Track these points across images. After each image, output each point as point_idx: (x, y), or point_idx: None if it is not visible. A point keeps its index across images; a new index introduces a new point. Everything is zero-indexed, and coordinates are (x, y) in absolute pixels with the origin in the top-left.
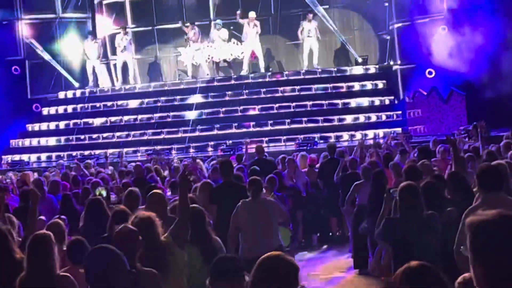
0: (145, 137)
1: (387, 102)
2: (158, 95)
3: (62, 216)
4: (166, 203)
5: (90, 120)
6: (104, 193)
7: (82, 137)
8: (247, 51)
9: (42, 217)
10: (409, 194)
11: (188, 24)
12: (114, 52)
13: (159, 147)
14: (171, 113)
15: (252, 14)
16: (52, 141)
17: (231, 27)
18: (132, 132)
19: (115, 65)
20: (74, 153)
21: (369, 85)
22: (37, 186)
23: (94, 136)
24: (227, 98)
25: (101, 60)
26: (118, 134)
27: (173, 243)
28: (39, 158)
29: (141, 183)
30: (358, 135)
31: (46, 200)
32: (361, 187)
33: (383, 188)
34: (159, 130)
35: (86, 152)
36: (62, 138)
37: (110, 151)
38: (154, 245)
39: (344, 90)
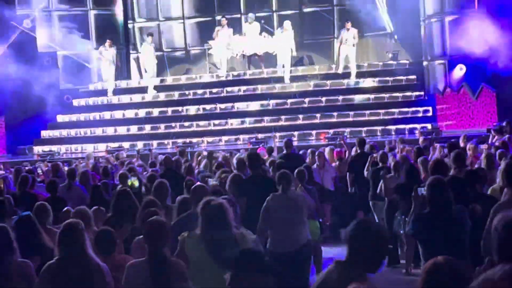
0: (175, 129)
1: (417, 97)
2: (188, 88)
3: (100, 207)
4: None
5: (119, 113)
6: (136, 183)
7: (112, 129)
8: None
9: (69, 208)
10: (437, 188)
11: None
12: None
13: (188, 140)
14: (201, 106)
15: (287, 24)
16: (82, 132)
17: (262, 21)
18: (162, 125)
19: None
20: (104, 145)
21: (400, 79)
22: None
23: (124, 128)
24: (258, 92)
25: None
26: (146, 126)
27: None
28: (69, 149)
29: (170, 175)
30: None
31: (74, 190)
32: (391, 181)
33: (414, 182)
34: (189, 123)
35: (116, 144)
36: (93, 130)
37: (139, 143)
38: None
39: (376, 84)
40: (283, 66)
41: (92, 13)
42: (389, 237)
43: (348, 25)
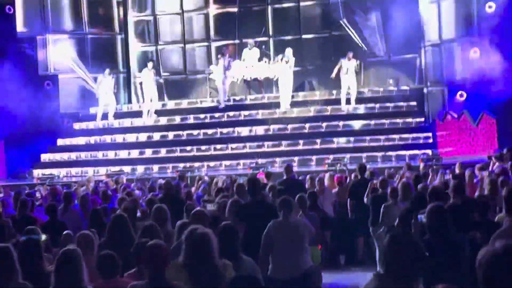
0: (175, 154)
1: (418, 123)
2: (189, 112)
3: (92, 230)
4: (208, 220)
5: (120, 136)
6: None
7: (113, 153)
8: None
9: (69, 232)
10: (436, 215)
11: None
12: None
13: (189, 164)
14: (202, 131)
15: (288, 52)
16: (82, 156)
17: (263, 46)
18: (162, 149)
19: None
20: (104, 169)
21: (400, 106)
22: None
23: (125, 152)
24: (259, 117)
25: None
26: (147, 150)
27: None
28: (69, 172)
29: (170, 199)
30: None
31: (70, 213)
32: (390, 208)
33: (415, 209)
34: (189, 147)
35: (117, 168)
36: (93, 154)
37: (140, 167)
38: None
39: (376, 110)
40: (284, 94)
41: (89, 37)
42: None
43: (350, 55)
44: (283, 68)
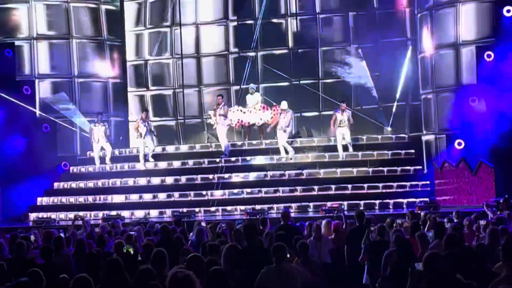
0: (171, 199)
1: (415, 171)
2: (186, 157)
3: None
4: (204, 266)
5: (117, 181)
6: (131, 250)
7: (109, 197)
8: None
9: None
10: (433, 264)
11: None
12: None
13: (185, 210)
14: (199, 176)
15: (284, 105)
16: (78, 200)
17: (261, 93)
18: (160, 194)
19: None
20: (100, 213)
21: (398, 153)
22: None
23: (121, 196)
24: (253, 162)
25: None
26: (145, 195)
27: None
28: (65, 216)
29: (167, 244)
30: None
31: (62, 257)
32: (392, 256)
33: (409, 258)
34: (186, 192)
35: (113, 212)
36: (89, 198)
37: (138, 211)
38: None
39: (374, 158)
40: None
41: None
42: None
43: (343, 106)
44: (280, 118)
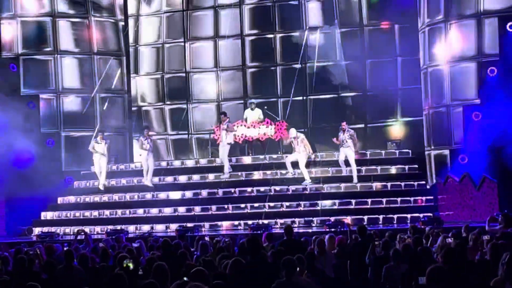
0: (176, 214)
1: (419, 186)
2: (190, 172)
3: None
4: (208, 280)
5: (121, 195)
6: (131, 265)
7: (113, 211)
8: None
9: None
10: (435, 278)
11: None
12: None
13: (190, 224)
14: (203, 190)
15: (292, 133)
16: (82, 214)
17: (265, 107)
18: (164, 208)
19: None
20: (104, 228)
21: (402, 168)
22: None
23: (126, 211)
24: (256, 177)
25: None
26: (151, 210)
27: None
28: (70, 231)
29: (169, 258)
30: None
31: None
32: (392, 270)
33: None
34: (190, 207)
35: (116, 227)
36: (93, 212)
37: (142, 226)
38: None
39: (377, 173)
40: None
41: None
42: None
43: (344, 125)
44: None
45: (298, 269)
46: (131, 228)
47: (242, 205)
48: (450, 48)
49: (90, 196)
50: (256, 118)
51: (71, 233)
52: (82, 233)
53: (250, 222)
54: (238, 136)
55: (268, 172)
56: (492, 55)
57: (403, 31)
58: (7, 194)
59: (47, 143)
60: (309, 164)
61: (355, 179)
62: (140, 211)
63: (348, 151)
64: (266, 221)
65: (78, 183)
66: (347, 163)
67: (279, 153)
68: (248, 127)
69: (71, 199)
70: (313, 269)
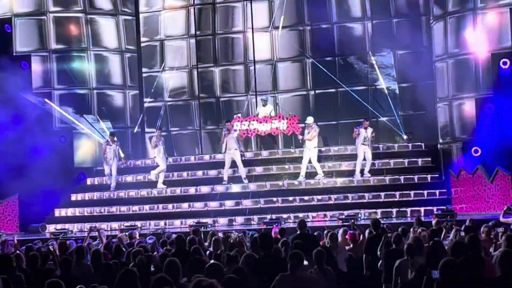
0: (188, 209)
1: (433, 179)
2: (199, 168)
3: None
4: (223, 275)
5: (133, 192)
6: (144, 261)
7: (126, 208)
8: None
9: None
10: (449, 271)
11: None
12: None
13: (203, 220)
14: (215, 186)
15: (309, 120)
16: (95, 211)
17: (277, 102)
18: (176, 204)
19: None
20: (117, 224)
21: (415, 162)
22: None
23: (137, 207)
24: (272, 172)
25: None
26: (161, 205)
27: None
28: (83, 227)
29: (183, 254)
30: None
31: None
32: (404, 264)
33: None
34: (202, 203)
35: (129, 223)
36: (107, 208)
37: (153, 222)
38: None
39: (391, 166)
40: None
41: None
42: None
43: (366, 124)
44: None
45: (306, 263)
46: (144, 224)
47: (255, 200)
48: (464, 40)
49: (103, 193)
50: (268, 113)
51: (85, 230)
52: (95, 230)
53: (263, 216)
54: (249, 130)
55: (280, 166)
56: (505, 48)
57: (405, 23)
58: (21, 191)
59: (60, 140)
60: (321, 158)
61: (367, 174)
62: (148, 208)
63: (367, 149)
64: (279, 216)
65: (91, 180)
66: (361, 172)
67: (291, 148)
68: (260, 122)
69: (84, 196)
70: (333, 263)
